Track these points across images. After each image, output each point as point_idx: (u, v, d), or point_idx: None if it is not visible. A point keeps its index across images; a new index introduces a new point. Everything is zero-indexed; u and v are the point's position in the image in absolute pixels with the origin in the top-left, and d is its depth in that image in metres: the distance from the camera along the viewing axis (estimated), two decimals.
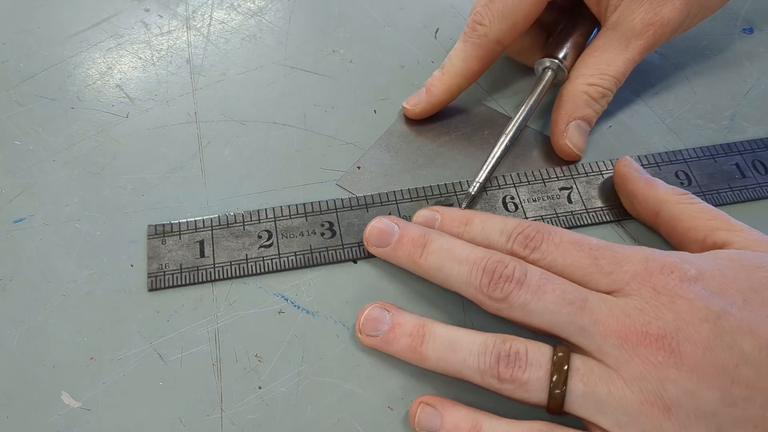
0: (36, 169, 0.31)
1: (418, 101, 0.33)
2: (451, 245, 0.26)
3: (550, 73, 0.32)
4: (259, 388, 0.26)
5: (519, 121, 0.31)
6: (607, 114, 0.34)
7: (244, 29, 0.38)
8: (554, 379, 0.22)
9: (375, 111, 0.34)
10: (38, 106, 0.34)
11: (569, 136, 0.31)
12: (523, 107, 0.32)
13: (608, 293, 0.24)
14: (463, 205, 0.30)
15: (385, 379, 0.26)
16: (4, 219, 0.30)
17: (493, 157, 0.31)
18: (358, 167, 0.32)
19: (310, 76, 0.36)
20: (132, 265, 0.29)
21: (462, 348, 0.24)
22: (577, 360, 0.23)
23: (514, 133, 0.31)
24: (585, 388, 0.22)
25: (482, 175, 0.30)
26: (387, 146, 0.33)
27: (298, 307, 0.28)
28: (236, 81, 0.35)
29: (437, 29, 0.38)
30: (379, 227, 0.28)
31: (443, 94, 0.33)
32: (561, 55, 0.32)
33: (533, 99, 0.32)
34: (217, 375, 0.26)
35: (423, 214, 0.29)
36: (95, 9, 0.38)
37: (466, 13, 0.39)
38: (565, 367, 0.22)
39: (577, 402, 0.22)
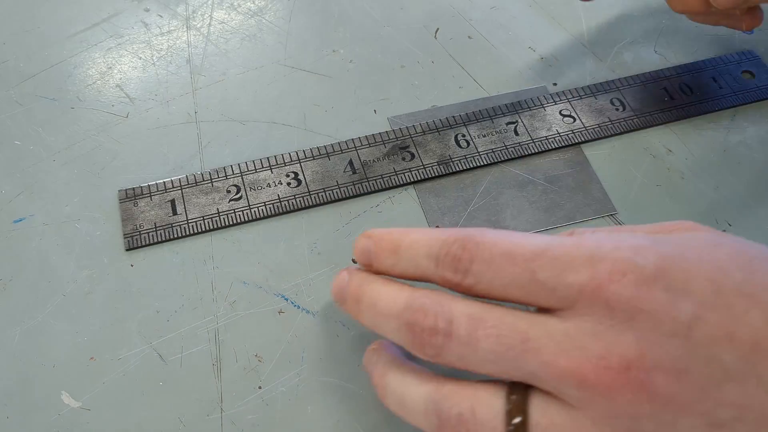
0: (36, 169, 0.31)
1: None
2: (375, 299, 0.23)
3: None
4: (259, 388, 0.26)
5: None
6: None
7: (244, 29, 0.38)
8: None
9: (375, 111, 0.34)
10: (38, 106, 0.34)
11: None
12: None
13: (559, 310, 0.20)
14: None
15: None
16: (4, 219, 0.30)
17: None
18: None
19: (310, 76, 0.36)
20: (132, 265, 0.29)
21: (406, 405, 0.22)
22: (535, 411, 0.19)
23: None
24: None
25: None
26: None
27: (298, 307, 0.28)
28: (236, 81, 0.35)
29: (437, 29, 0.38)
30: (335, 284, 0.25)
31: None
32: None
33: None
34: (217, 375, 0.26)
35: (360, 246, 0.24)
36: (95, 9, 0.38)
37: (466, 13, 0.39)
38: (518, 419, 0.19)
39: None
